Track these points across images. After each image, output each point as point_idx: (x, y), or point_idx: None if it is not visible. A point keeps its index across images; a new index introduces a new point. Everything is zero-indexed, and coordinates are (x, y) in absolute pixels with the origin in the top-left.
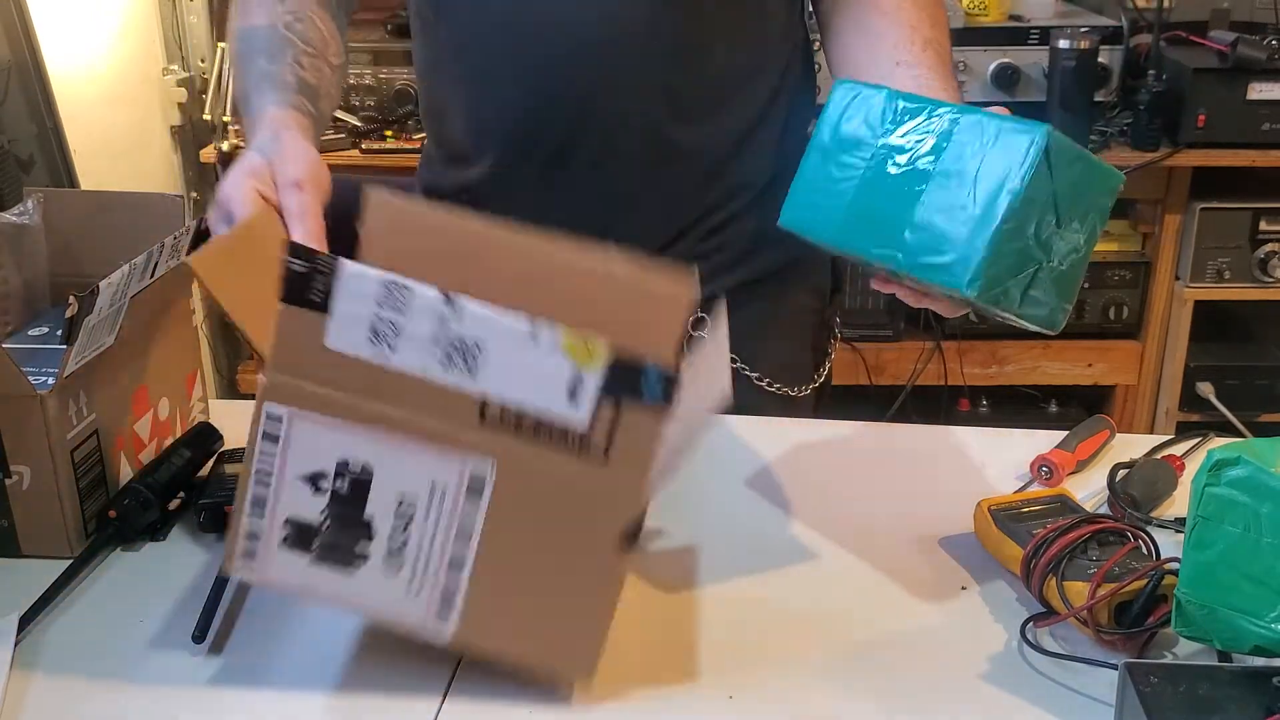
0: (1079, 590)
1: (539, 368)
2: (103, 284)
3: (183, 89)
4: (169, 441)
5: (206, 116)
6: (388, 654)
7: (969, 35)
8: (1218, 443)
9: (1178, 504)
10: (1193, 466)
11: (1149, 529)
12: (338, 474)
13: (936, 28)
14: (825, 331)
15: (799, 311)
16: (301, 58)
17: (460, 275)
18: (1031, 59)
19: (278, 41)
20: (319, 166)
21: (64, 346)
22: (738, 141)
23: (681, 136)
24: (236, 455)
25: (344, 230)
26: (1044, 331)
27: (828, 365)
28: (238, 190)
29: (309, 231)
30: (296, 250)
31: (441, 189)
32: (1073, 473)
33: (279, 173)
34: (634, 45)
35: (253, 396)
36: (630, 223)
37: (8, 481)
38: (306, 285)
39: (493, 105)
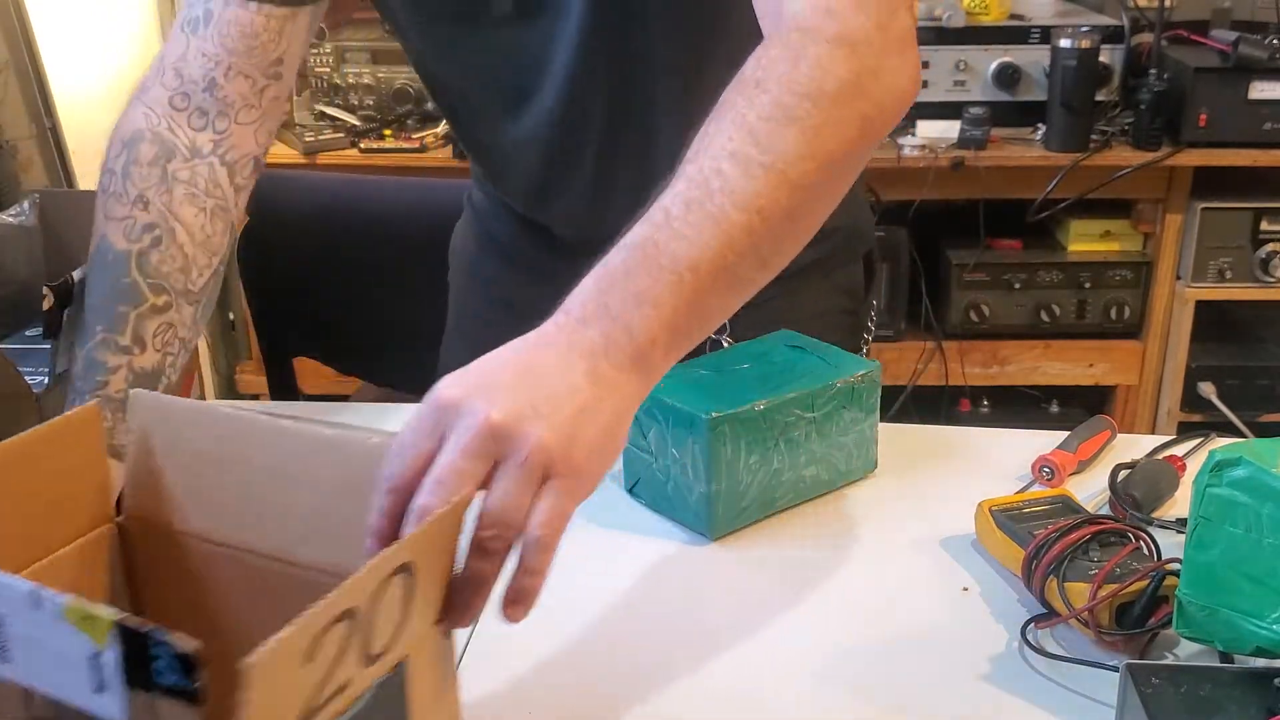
0: (1080, 591)
1: (57, 644)
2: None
3: None
4: None
5: None
6: None
7: (970, 34)
8: (1219, 443)
9: (1179, 504)
10: (1194, 467)
11: (1150, 529)
12: None
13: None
14: (858, 334)
15: (825, 312)
16: (145, 323)
17: (223, 467)
18: (1032, 58)
19: (120, 298)
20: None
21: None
22: None
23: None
24: None
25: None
26: None
27: None
28: None
29: None
30: None
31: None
32: (1074, 473)
33: None
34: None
35: (253, 396)
36: None
37: None
38: None
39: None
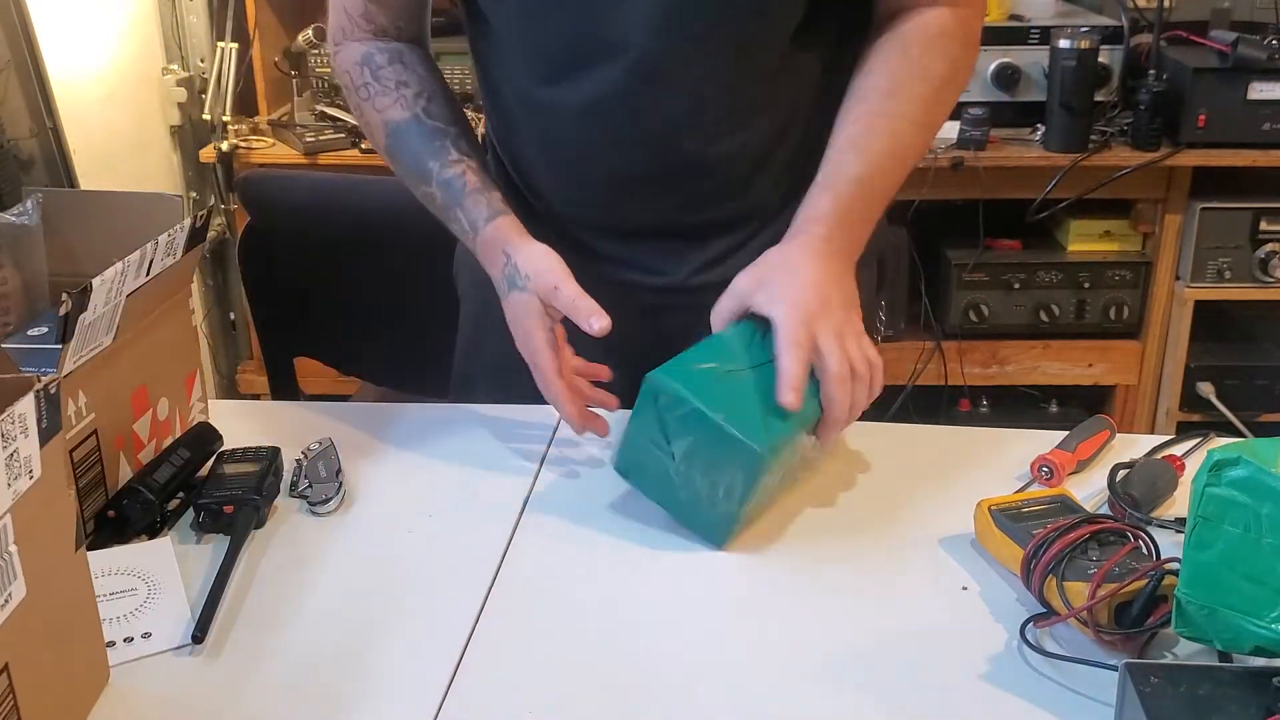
0: (1079, 590)
1: None
2: (96, 281)
3: (182, 89)
4: (168, 441)
5: (206, 116)
6: (388, 654)
7: None
8: (1218, 443)
9: (1178, 504)
10: (1193, 467)
11: (1149, 529)
12: None
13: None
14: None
15: None
16: (461, 143)
17: None
18: (1032, 59)
19: (433, 138)
20: (553, 258)
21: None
22: (756, 160)
23: (702, 151)
24: (235, 455)
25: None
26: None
27: None
28: (533, 343)
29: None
30: None
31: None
32: (1073, 473)
33: (549, 296)
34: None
35: (254, 396)
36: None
37: None
38: None
39: (560, 172)
